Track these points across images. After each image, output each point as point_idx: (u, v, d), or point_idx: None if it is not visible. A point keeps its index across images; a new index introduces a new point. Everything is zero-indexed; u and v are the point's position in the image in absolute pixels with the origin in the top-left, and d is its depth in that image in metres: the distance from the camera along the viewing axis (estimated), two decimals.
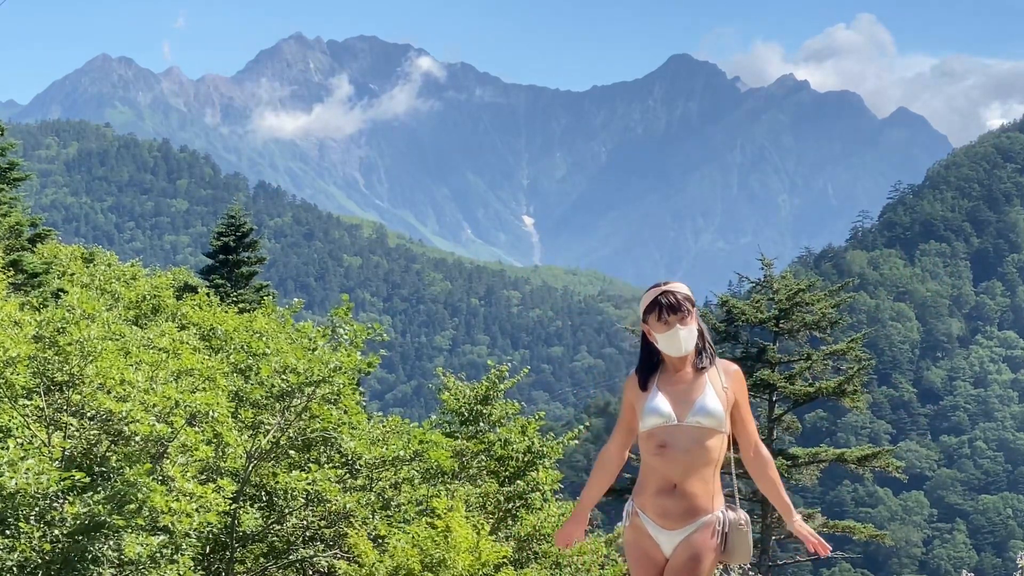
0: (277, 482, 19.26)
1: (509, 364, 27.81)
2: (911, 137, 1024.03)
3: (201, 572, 19.20)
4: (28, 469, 15.18)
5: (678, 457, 7.78)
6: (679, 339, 7.84)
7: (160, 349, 19.55)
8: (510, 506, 24.21)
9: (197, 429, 17.55)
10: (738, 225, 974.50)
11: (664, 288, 7.96)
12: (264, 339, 23.56)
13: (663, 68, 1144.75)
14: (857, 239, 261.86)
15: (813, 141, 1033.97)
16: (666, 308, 7.86)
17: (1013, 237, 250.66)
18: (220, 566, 19.88)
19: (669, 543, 7.85)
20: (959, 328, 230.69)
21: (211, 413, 17.34)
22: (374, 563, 19.01)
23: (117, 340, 17.87)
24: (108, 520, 15.41)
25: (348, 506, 19.63)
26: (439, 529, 19.20)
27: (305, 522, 19.96)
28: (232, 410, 18.78)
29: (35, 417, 16.85)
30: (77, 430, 16.87)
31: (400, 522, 20.29)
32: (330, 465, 19.97)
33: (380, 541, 19.87)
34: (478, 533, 19.73)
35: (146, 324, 25.93)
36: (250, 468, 18.97)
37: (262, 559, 21.17)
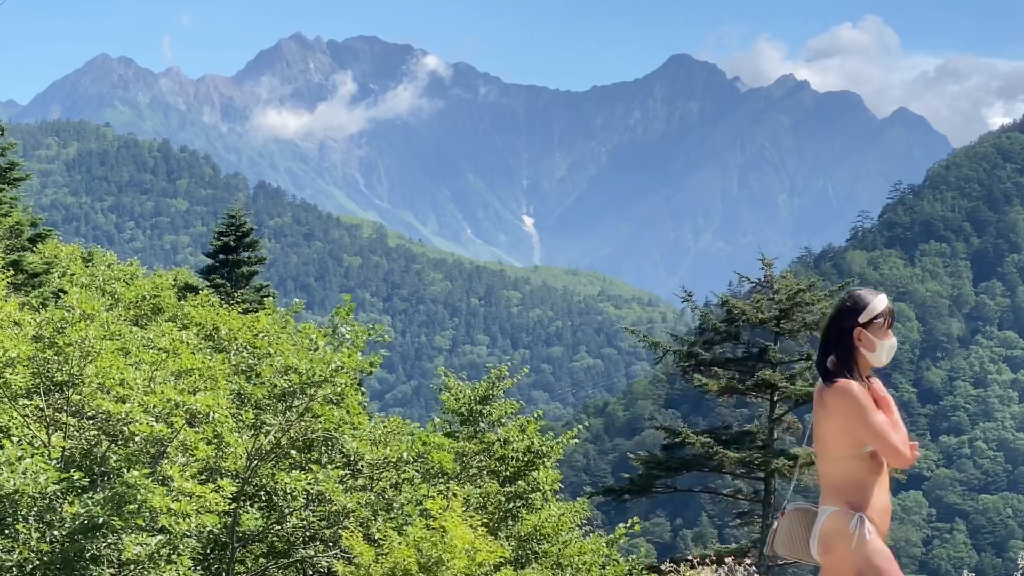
0: (276, 482, 19.23)
1: (509, 364, 27.80)
2: (911, 137, 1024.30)
3: (201, 572, 19.17)
4: (26, 469, 15.16)
5: (888, 474, 7.93)
6: (894, 348, 7.86)
7: (160, 349, 19.53)
8: (511, 506, 24.19)
9: (197, 429, 17.53)
10: (738, 225, 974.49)
11: (883, 294, 7.91)
12: (267, 340, 23.56)
13: (663, 68, 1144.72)
14: (857, 239, 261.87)
15: (813, 141, 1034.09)
16: (893, 316, 7.86)
17: (1013, 237, 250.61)
18: (220, 566, 19.86)
19: None
20: (959, 328, 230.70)
21: (211, 414, 17.32)
22: (370, 564, 18.98)
23: (117, 340, 17.85)
24: (107, 520, 15.39)
25: (348, 506, 19.61)
26: (436, 529, 19.17)
27: (305, 522, 19.94)
28: (233, 411, 18.76)
29: (35, 417, 16.83)
30: (77, 430, 16.85)
31: (401, 523, 20.27)
32: (333, 466, 19.95)
33: (378, 542, 19.83)
34: (475, 532, 19.70)
35: (146, 324, 25.92)
36: (251, 468, 18.95)
37: (262, 559, 21.15)
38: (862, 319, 7.79)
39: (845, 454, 7.81)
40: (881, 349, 7.81)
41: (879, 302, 7.83)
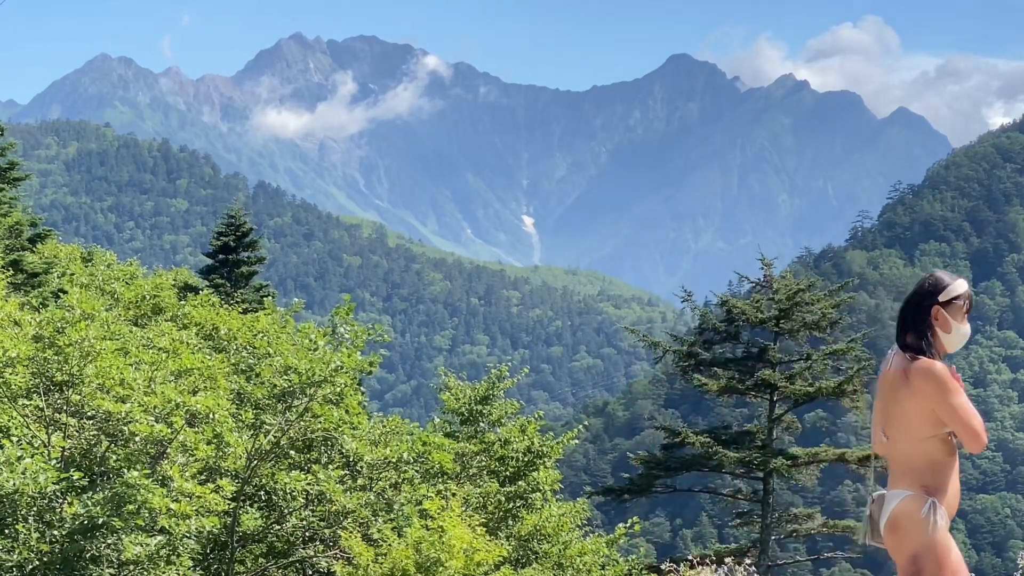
0: (276, 482, 19.24)
1: (509, 364, 27.80)
2: (911, 137, 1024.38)
3: (201, 572, 19.18)
4: (26, 469, 15.16)
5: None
6: (967, 337, 7.92)
7: (160, 349, 19.54)
8: (511, 506, 24.20)
9: (197, 430, 17.53)
10: (738, 225, 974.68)
11: (963, 279, 7.97)
12: (267, 340, 23.57)
13: (663, 68, 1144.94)
14: (857, 239, 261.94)
15: (813, 141, 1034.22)
16: (972, 303, 7.90)
17: (1013, 237, 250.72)
18: (220, 566, 19.86)
19: None
20: None
21: (211, 415, 17.32)
22: (368, 564, 18.98)
23: (116, 340, 17.86)
24: (107, 521, 15.39)
25: (348, 507, 19.61)
26: (434, 529, 19.17)
27: (305, 522, 19.94)
28: (233, 411, 18.76)
29: (35, 417, 16.83)
30: (77, 430, 16.86)
31: (401, 524, 20.27)
32: (333, 466, 19.96)
33: (377, 543, 19.84)
34: (473, 532, 19.69)
35: (146, 324, 25.93)
36: (251, 468, 18.96)
37: (262, 559, 21.15)
38: (942, 298, 7.86)
39: (926, 435, 7.81)
40: (956, 332, 7.86)
41: (959, 285, 7.90)
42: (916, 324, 7.89)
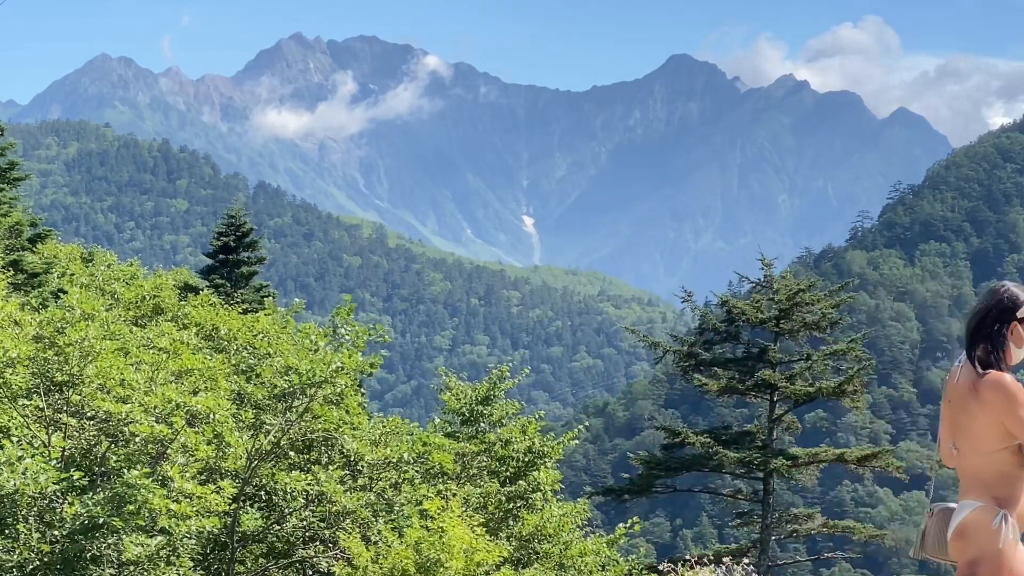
0: (276, 482, 19.24)
1: (509, 364, 27.81)
2: (911, 137, 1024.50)
3: (201, 572, 19.18)
4: (26, 469, 15.16)
5: None
6: None
7: (160, 349, 19.54)
8: (511, 506, 24.20)
9: (197, 430, 17.53)
10: (738, 225, 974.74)
11: None
12: (267, 340, 23.58)
13: (663, 68, 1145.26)
14: (857, 239, 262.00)
15: (813, 141, 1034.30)
16: None
17: (1013, 237, 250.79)
18: (220, 566, 19.87)
19: None
20: (959, 328, 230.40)
21: (212, 415, 17.32)
22: (367, 564, 18.97)
23: (117, 340, 17.86)
24: (107, 521, 15.39)
25: (349, 507, 19.61)
26: (434, 530, 19.16)
27: (305, 523, 19.94)
28: (233, 411, 18.76)
29: (35, 417, 16.83)
30: (77, 430, 16.86)
31: (401, 524, 20.27)
32: (334, 467, 19.96)
33: (378, 543, 19.84)
34: (473, 532, 19.69)
35: (146, 324, 25.92)
36: (251, 468, 18.95)
37: (262, 559, 21.15)
38: (1020, 314, 7.84)
39: (995, 447, 7.82)
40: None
41: None
42: (991, 337, 7.87)
